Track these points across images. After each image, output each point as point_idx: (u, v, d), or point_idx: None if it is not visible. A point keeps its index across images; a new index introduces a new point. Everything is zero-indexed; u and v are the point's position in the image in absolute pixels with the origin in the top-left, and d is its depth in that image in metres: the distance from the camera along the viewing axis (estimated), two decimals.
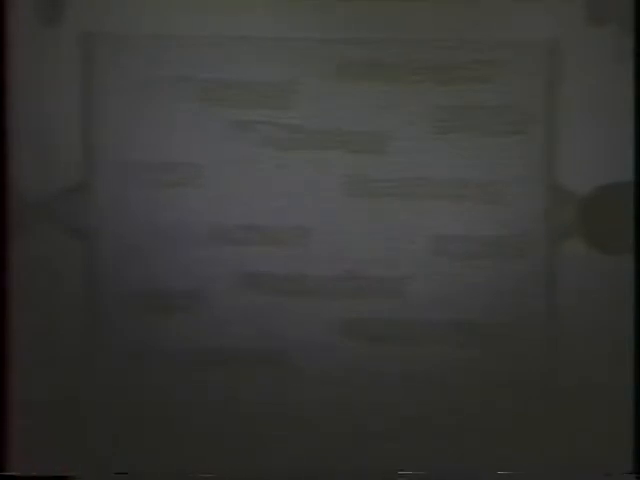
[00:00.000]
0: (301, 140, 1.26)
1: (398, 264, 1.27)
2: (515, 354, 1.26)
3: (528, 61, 1.24)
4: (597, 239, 1.25)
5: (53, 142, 1.27)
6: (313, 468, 1.28)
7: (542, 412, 1.27)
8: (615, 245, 1.25)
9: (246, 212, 1.27)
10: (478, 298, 1.26)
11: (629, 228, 1.24)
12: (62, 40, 1.26)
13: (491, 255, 1.26)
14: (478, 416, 1.27)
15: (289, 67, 1.25)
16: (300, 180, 1.27)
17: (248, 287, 1.28)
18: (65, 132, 1.27)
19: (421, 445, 1.28)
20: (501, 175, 1.25)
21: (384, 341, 1.27)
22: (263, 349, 1.28)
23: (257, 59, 1.26)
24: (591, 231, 1.25)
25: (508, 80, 1.24)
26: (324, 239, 1.27)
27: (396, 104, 1.25)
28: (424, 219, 1.26)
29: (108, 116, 1.27)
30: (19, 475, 1.28)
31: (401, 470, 1.27)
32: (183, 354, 1.28)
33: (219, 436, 1.29)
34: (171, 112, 1.26)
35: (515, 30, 1.24)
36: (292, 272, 1.28)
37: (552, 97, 1.24)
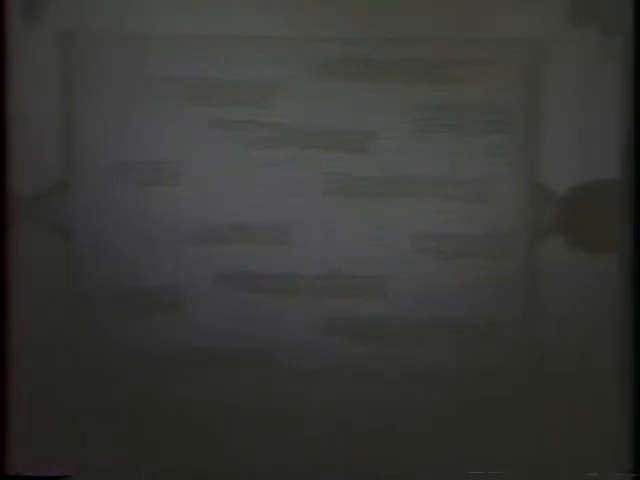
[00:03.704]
0: (285, 139, 1.26)
1: (381, 263, 1.27)
2: (498, 352, 1.27)
3: (510, 60, 1.24)
4: (579, 238, 1.26)
5: (35, 141, 1.26)
6: (297, 466, 1.29)
7: (526, 411, 1.27)
8: (597, 244, 1.25)
9: (230, 211, 1.27)
10: (461, 297, 1.27)
11: (612, 227, 1.25)
12: (43, 38, 1.26)
13: (473, 254, 1.26)
14: (462, 413, 1.28)
15: (273, 66, 1.25)
16: (284, 179, 1.27)
17: (231, 286, 1.28)
18: (46, 131, 1.26)
19: (406, 443, 1.28)
20: (483, 174, 1.26)
21: (367, 340, 1.28)
22: (247, 348, 1.28)
23: (240, 58, 1.25)
24: (573, 230, 1.26)
25: (491, 79, 1.25)
26: (308, 238, 1.27)
27: (379, 103, 1.25)
28: (407, 218, 1.27)
29: (90, 115, 1.26)
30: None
31: (386, 469, 1.27)
32: (167, 353, 1.28)
33: (203, 435, 1.29)
34: (153, 111, 1.26)
35: (497, 29, 1.24)
36: (276, 271, 1.28)
37: (535, 96, 1.25)
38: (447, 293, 1.27)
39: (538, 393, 1.27)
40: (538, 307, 1.26)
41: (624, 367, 1.25)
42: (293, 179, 1.27)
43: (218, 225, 1.27)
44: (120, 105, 1.26)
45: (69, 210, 1.27)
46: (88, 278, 1.28)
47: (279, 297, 1.28)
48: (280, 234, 1.27)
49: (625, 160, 1.24)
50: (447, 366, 1.27)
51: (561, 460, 1.27)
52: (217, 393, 1.29)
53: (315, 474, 1.28)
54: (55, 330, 1.28)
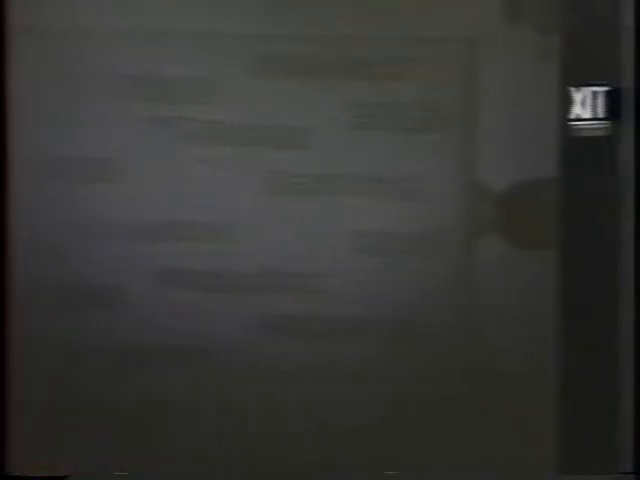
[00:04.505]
0: (222, 136, 1.26)
1: (318, 261, 1.27)
2: (434, 350, 1.27)
3: (446, 58, 1.24)
4: (515, 235, 1.26)
5: None
6: (234, 464, 1.28)
7: (463, 408, 1.27)
8: (534, 241, 1.25)
9: (168, 208, 1.27)
10: (397, 295, 1.27)
11: (547, 224, 1.25)
12: None
13: (410, 251, 1.26)
14: (397, 411, 1.28)
15: (209, 63, 1.25)
16: (221, 176, 1.27)
17: (170, 284, 1.28)
18: None
19: (342, 441, 1.28)
20: (420, 172, 1.26)
21: (304, 337, 1.28)
22: (185, 345, 1.28)
23: (177, 55, 1.25)
24: (509, 227, 1.26)
25: (426, 77, 1.25)
26: (245, 236, 1.27)
27: (316, 100, 1.26)
28: (344, 216, 1.27)
29: (26, 111, 1.26)
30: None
31: (316, 466, 1.27)
32: (104, 351, 1.28)
33: (138, 433, 1.29)
34: (90, 108, 1.26)
35: (432, 27, 1.24)
36: (214, 269, 1.28)
37: (470, 94, 1.25)
38: (384, 291, 1.27)
39: (475, 391, 1.27)
40: (475, 304, 1.26)
41: (560, 366, 1.25)
42: (231, 176, 1.27)
43: (157, 223, 1.27)
44: (57, 101, 1.26)
45: (4, 207, 1.27)
46: (23, 275, 1.27)
47: (218, 294, 1.28)
48: (219, 232, 1.27)
49: (560, 158, 1.24)
50: (382, 364, 1.27)
51: (494, 460, 1.27)
52: (156, 389, 1.28)
53: (252, 472, 1.28)
54: None
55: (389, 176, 1.26)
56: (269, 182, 1.27)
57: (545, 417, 1.26)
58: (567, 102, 1.23)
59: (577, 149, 1.23)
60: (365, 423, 1.27)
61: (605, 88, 1.22)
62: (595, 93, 1.22)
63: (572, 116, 1.23)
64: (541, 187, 1.25)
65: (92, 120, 1.26)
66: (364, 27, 1.24)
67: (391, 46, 1.24)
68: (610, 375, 1.24)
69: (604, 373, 1.24)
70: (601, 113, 1.22)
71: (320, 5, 1.25)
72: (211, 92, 1.26)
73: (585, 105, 1.22)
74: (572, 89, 1.22)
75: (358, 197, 1.26)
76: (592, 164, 1.23)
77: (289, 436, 1.28)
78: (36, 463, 1.28)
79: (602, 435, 1.25)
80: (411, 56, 1.24)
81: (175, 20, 1.25)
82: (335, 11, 1.25)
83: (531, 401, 1.26)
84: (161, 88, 1.26)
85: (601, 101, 1.22)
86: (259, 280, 1.28)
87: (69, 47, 1.25)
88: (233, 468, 1.28)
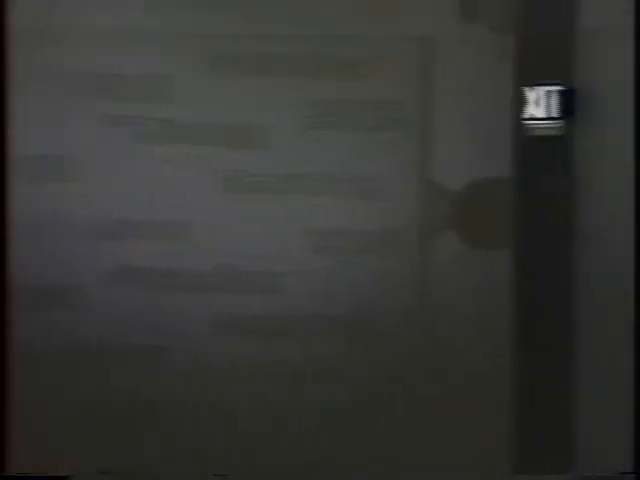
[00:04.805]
0: (179, 135, 1.26)
1: (275, 260, 1.27)
2: (389, 349, 1.27)
3: (402, 57, 1.25)
4: (471, 234, 1.26)
5: None
6: (184, 464, 1.29)
7: (417, 408, 1.27)
8: (489, 240, 1.25)
9: (123, 207, 1.27)
10: (353, 293, 1.27)
11: (503, 223, 1.25)
12: None
13: (367, 251, 1.27)
14: (352, 410, 1.28)
15: (164, 61, 1.26)
16: (178, 175, 1.27)
17: (125, 282, 1.28)
18: None
19: (294, 439, 1.28)
20: (376, 171, 1.26)
21: (260, 336, 1.28)
22: (140, 344, 1.28)
23: (132, 53, 1.26)
24: (465, 227, 1.26)
25: (383, 76, 1.25)
26: (202, 234, 1.27)
27: (273, 99, 1.26)
28: (301, 215, 1.27)
29: None
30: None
31: (270, 466, 1.27)
32: (58, 350, 1.28)
33: (93, 430, 1.29)
34: (44, 106, 1.26)
35: (389, 26, 1.25)
36: (170, 267, 1.28)
37: (427, 93, 1.25)
38: (340, 290, 1.27)
39: (430, 392, 1.27)
40: (431, 304, 1.26)
41: (514, 366, 1.25)
42: (189, 175, 1.27)
43: (112, 221, 1.27)
44: (10, 100, 1.26)
45: None
46: None
47: (174, 293, 1.28)
48: (176, 231, 1.27)
49: (514, 158, 1.24)
50: (340, 362, 1.27)
51: (449, 459, 1.27)
52: (110, 388, 1.29)
53: (203, 472, 1.28)
54: None
55: (346, 175, 1.26)
56: (226, 181, 1.27)
57: (500, 417, 1.26)
58: (521, 102, 1.23)
59: (531, 148, 1.23)
60: (320, 422, 1.27)
61: (559, 88, 1.22)
62: (549, 93, 1.22)
63: (526, 116, 1.23)
64: (495, 186, 1.25)
65: (45, 119, 1.26)
66: (324, 26, 1.25)
67: (350, 45, 1.25)
68: (564, 375, 1.24)
69: (558, 372, 1.24)
70: (555, 113, 1.22)
71: (279, 4, 1.25)
72: (167, 91, 1.26)
73: (539, 104, 1.23)
74: (526, 89, 1.23)
75: (315, 196, 1.27)
76: (545, 164, 1.23)
77: (245, 435, 1.28)
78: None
79: (556, 435, 1.24)
80: (370, 55, 1.25)
81: (130, 19, 1.25)
82: (294, 10, 1.25)
83: (486, 401, 1.26)
84: (116, 87, 1.26)
85: (555, 101, 1.22)
86: (216, 279, 1.28)
87: (23, 46, 1.26)
88: (178, 464, 1.28)
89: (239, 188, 1.26)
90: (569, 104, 1.22)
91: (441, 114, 1.25)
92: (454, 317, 1.26)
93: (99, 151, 1.26)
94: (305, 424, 1.28)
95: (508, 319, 1.25)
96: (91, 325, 1.28)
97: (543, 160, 1.23)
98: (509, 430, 1.25)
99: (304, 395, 1.27)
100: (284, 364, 1.27)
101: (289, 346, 1.28)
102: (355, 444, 1.27)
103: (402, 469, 1.26)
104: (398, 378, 1.27)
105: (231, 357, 1.28)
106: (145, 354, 1.28)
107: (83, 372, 1.29)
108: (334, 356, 1.27)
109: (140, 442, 1.29)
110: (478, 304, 1.26)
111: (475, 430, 1.26)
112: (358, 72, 1.25)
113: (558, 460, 1.24)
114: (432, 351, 1.26)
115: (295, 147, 1.26)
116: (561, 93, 1.22)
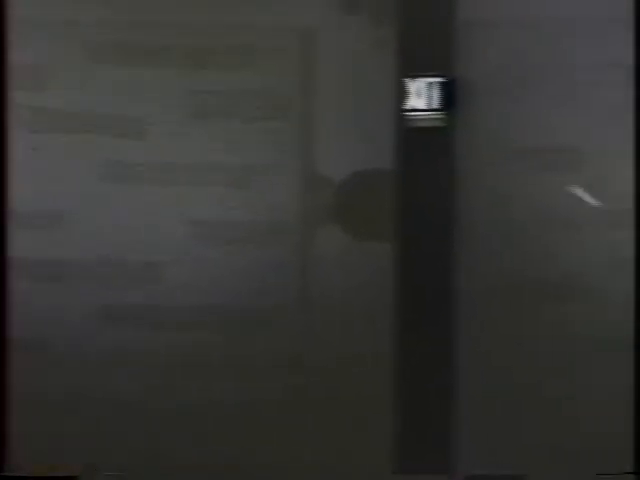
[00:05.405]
0: (57, 123, 1.24)
1: (157, 249, 1.26)
2: (267, 340, 1.26)
3: (284, 47, 1.24)
4: (353, 227, 1.25)
5: None
6: (65, 457, 1.27)
7: (297, 406, 1.26)
8: (370, 233, 1.25)
9: None
10: (234, 284, 1.26)
11: (385, 216, 1.24)
12: None
13: (248, 241, 1.26)
14: (235, 403, 1.27)
15: (43, 49, 1.24)
16: (57, 164, 1.25)
17: (6, 273, 1.26)
18: None
19: (180, 436, 1.27)
20: (258, 160, 1.25)
21: (144, 326, 1.26)
22: (20, 337, 1.26)
23: (12, 40, 1.24)
24: (347, 219, 1.25)
25: (265, 65, 1.24)
26: (82, 224, 1.26)
27: (154, 88, 1.24)
28: (183, 205, 1.26)
29: None
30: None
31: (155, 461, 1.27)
32: None
33: None
34: None
35: (272, 16, 1.23)
36: (49, 257, 1.26)
37: (309, 84, 1.24)
38: (220, 280, 1.26)
39: (309, 389, 1.26)
40: (311, 295, 1.25)
41: (395, 364, 1.25)
42: (67, 164, 1.25)
43: None
44: None
45: None
46: None
47: (54, 284, 1.26)
48: (53, 220, 1.25)
49: (396, 149, 1.23)
50: (221, 352, 1.26)
51: (329, 459, 1.26)
52: None
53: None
54: None
55: (227, 165, 1.25)
56: (106, 170, 1.25)
57: (381, 416, 1.25)
58: (402, 93, 1.22)
59: (412, 140, 1.23)
60: (198, 414, 1.27)
61: (440, 79, 1.22)
62: (430, 84, 1.22)
63: (407, 107, 1.22)
64: (377, 178, 1.24)
65: None
66: (204, 15, 1.23)
67: (231, 35, 1.23)
68: (445, 374, 1.24)
69: (439, 370, 1.24)
70: (436, 104, 1.22)
71: None
72: (47, 78, 1.24)
73: (420, 96, 1.22)
74: (407, 80, 1.22)
75: (197, 186, 1.25)
76: (427, 155, 1.23)
77: (129, 429, 1.27)
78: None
79: (436, 435, 1.24)
80: (250, 45, 1.24)
81: (8, 6, 1.23)
82: None
83: (367, 400, 1.25)
84: None
85: (436, 92, 1.22)
86: (96, 269, 1.26)
87: None
88: (69, 454, 1.27)
89: (120, 177, 1.25)
90: (450, 95, 1.22)
91: (323, 105, 1.24)
92: (335, 311, 1.25)
93: None
94: (184, 415, 1.27)
95: (389, 312, 1.25)
96: None
97: (424, 151, 1.23)
98: (390, 430, 1.25)
99: (189, 384, 1.26)
100: (164, 353, 1.26)
101: (171, 335, 1.26)
102: (233, 442, 1.27)
103: (277, 469, 1.25)
104: (277, 371, 1.26)
105: (114, 348, 1.27)
106: (25, 345, 1.27)
107: None
108: (215, 344, 1.26)
109: (17, 437, 1.27)
110: (359, 297, 1.25)
111: (355, 430, 1.25)
112: (239, 62, 1.24)
113: (438, 460, 1.24)
114: (309, 346, 1.26)
115: (177, 137, 1.25)
116: (442, 84, 1.22)
